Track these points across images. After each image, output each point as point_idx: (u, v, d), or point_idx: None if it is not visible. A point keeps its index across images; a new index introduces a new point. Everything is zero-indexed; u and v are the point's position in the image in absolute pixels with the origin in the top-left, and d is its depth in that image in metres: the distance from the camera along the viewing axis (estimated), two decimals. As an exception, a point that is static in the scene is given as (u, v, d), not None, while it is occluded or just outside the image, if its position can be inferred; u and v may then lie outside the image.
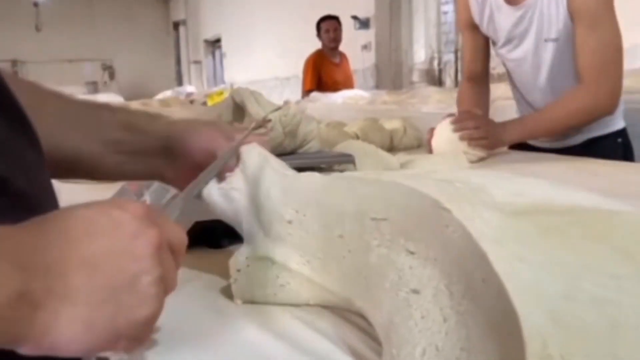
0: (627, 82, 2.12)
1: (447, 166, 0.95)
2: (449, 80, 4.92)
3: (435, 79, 5.02)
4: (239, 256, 0.49)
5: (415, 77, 5.22)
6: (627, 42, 1.39)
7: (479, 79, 1.56)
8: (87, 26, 10.07)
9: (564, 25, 1.25)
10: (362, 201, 0.41)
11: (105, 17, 10.26)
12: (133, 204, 0.34)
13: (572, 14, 1.23)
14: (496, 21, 1.38)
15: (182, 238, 0.36)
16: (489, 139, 1.22)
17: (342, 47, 4.35)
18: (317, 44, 4.30)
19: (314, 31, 4.30)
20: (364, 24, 5.25)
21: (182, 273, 0.57)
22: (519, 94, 1.49)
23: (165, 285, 0.34)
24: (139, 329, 0.32)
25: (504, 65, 1.47)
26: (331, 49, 4.18)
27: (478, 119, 1.26)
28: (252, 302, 0.49)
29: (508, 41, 1.38)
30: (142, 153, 0.56)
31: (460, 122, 1.24)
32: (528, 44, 1.33)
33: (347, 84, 4.19)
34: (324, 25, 4.17)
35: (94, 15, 10.20)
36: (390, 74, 5.18)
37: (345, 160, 0.77)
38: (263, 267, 0.48)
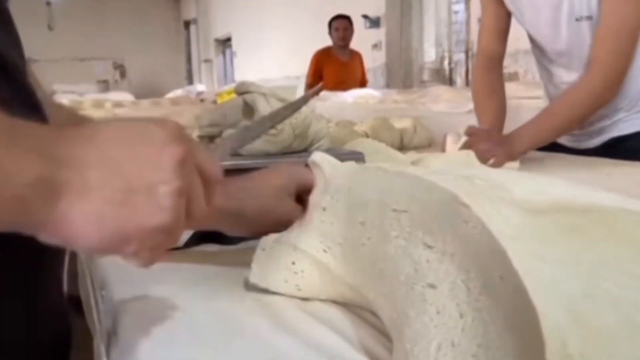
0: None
1: (459, 165, 0.94)
2: (459, 79, 4.89)
3: (445, 79, 5.00)
4: (269, 238, 0.51)
5: (426, 76, 5.20)
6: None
7: (495, 61, 1.45)
8: (99, 25, 10.13)
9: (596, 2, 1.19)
10: (385, 192, 0.42)
11: (117, 16, 10.32)
12: (172, 123, 0.35)
13: None
14: None
15: (214, 169, 0.37)
16: (499, 157, 1.16)
17: (354, 46, 4.37)
18: (327, 43, 4.33)
19: (324, 30, 4.33)
20: (374, 23, 5.24)
21: (193, 269, 0.57)
22: (549, 74, 1.41)
23: (190, 203, 0.34)
24: (150, 236, 0.32)
25: (534, 42, 1.39)
26: (339, 47, 4.24)
27: (488, 140, 1.19)
28: (264, 288, 0.49)
29: (541, 19, 1.31)
30: None
31: (472, 145, 1.17)
32: (563, 23, 1.27)
33: (355, 83, 4.18)
34: (334, 24, 4.24)
35: (106, 14, 10.26)
36: (401, 73, 5.17)
37: (355, 158, 0.76)
38: (284, 252, 0.49)
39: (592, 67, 1.21)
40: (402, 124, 1.50)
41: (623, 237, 0.31)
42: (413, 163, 0.96)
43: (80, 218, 0.30)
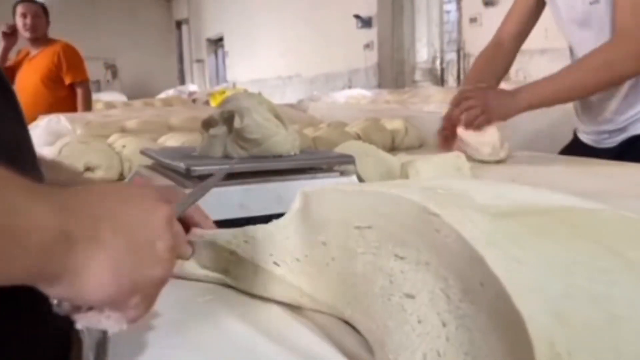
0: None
1: (448, 167, 0.94)
2: (451, 79, 4.91)
3: (437, 78, 5.02)
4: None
5: (418, 76, 5.22)
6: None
7: (508, 44, 1.41)
8: (90, 25, 10.08)
9: None
10: (346, 210, 0.42)
11: (108, 16, 10.27)
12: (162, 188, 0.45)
13: None
14: None
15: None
16: (487, 113, 1.13)
17: (345, 46, 4.33)
18: (320, 43, 4.28)
19: (316, 30, 4.27)
20: (366, 23, 5.25)
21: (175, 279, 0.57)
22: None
23: (176, 254, 0.40)
24: (151, 287, 0.36)
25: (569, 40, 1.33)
26: (28, 39, 3.14)
27: (470, 97, 1.16)
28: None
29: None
30: None
31: (454, 110, 1.15)
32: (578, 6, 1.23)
33: (37, 83, 3.10)
34: (19, 9, 3.05)
35: (97, 14, 10.21)
36: (393, 73, 5.18)
37: (346, 161, 0.77)
38: (246, 270, 0.49)
39: (615, 37, 1.14)
40: (393, 124, 1.51)
41: (589, 235, 0.32)
42: (403, 165, 0.96)
43: (97, 267, 0.32)
